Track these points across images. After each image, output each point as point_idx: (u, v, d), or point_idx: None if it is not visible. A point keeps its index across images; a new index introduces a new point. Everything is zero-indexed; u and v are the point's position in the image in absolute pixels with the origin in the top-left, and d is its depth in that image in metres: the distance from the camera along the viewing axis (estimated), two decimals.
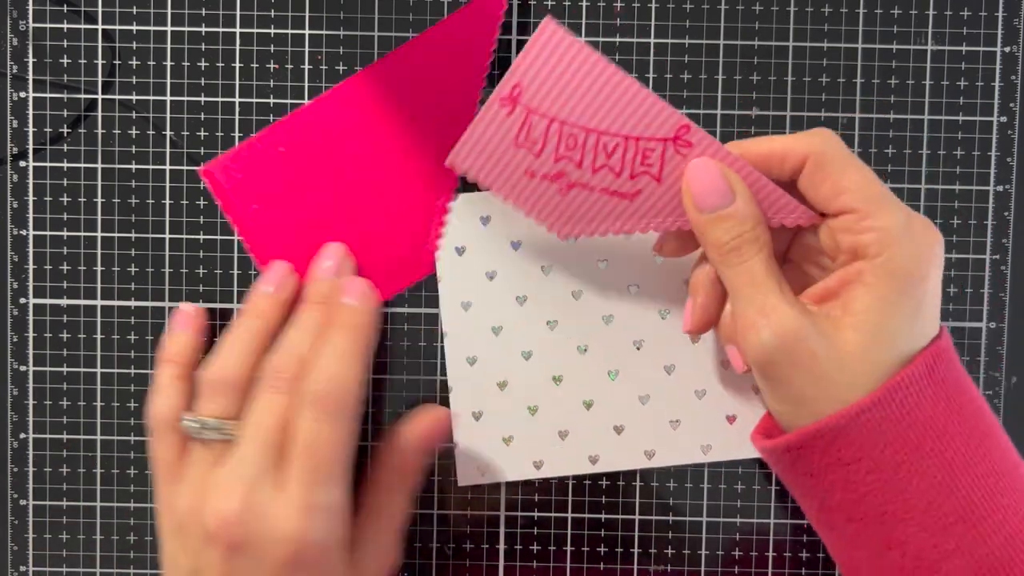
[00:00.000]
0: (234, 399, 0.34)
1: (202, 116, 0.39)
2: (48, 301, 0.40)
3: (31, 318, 0.40)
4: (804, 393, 0.32)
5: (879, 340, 0.31)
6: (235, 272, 0.40)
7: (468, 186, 0.38)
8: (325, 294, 0.37)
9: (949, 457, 0.31)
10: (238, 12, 0.39)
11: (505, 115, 0.34)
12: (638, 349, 0.39)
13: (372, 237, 0.38)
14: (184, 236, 0.39)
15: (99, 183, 0.39)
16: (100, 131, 0.39)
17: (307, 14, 0.39)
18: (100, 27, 0.39)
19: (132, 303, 0.40)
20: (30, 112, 0.39)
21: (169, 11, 0.39)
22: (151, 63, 0.39)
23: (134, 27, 0.39)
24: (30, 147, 0.39)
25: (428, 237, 0.38)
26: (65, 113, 0.39)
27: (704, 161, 0.33)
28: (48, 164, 0.39)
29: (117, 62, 0.39)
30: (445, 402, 0.39)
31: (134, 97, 0.39)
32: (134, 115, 0.39)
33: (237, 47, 0.39)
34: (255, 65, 0.39)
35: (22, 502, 0.40)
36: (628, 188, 0.34)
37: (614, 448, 0.39)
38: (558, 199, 0.35)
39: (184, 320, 0.38)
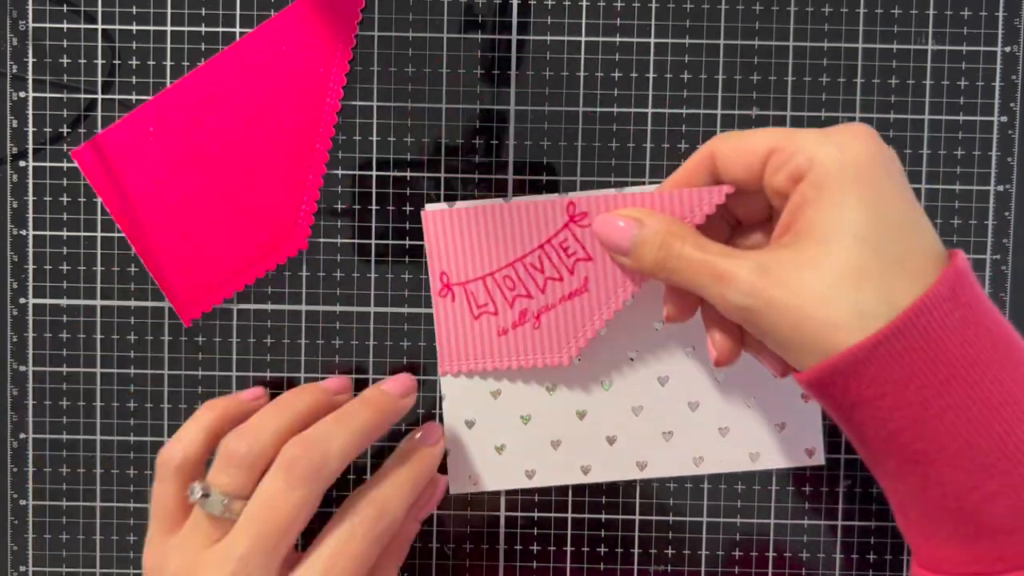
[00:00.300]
0: (248, 476, 0.32)
1: None
2: (48, 301, 0.40)
3: (31, 318, 0.40)
4: (794, 337, 0.29)
5: (846, 252, 0.28)
6: None
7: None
8: (383, 405, 0.36)
9: (984, 391, 0.28)
10: (238, 12, 0.39)
11: (450, 302, 0.38)
12: (632, 360, 0.39)
13: (243, 216, 0.38)
14: None
15: None
16: (100, 131, 0.39)
17: None
18: (100, 27, 0.39)
19: (132, 303, 0.40)
20: (30, 112, 0.39)
21: (169, 11, 0.39)
22: (151, 63, 0.39)
23: (134, 27, 0.39)
24: (30, 147, 0.39)
25: (299, 214, 0.38)
26: (65, 113, 0.39)
27: (599, 220, 0.35)
28: (48, 164, 0.39)
29: (117, 62, 0.39)
30: (438, 405, 0.39)
31: (134, 97, 0.39)
32: None
33: None
34: None
35: (22, 502, 0.40)
36: (577, 283, 0.37)
37: (606, 458, 0.39)
38: (538, 333, 0.37)
39: (249, 394, 0.37)
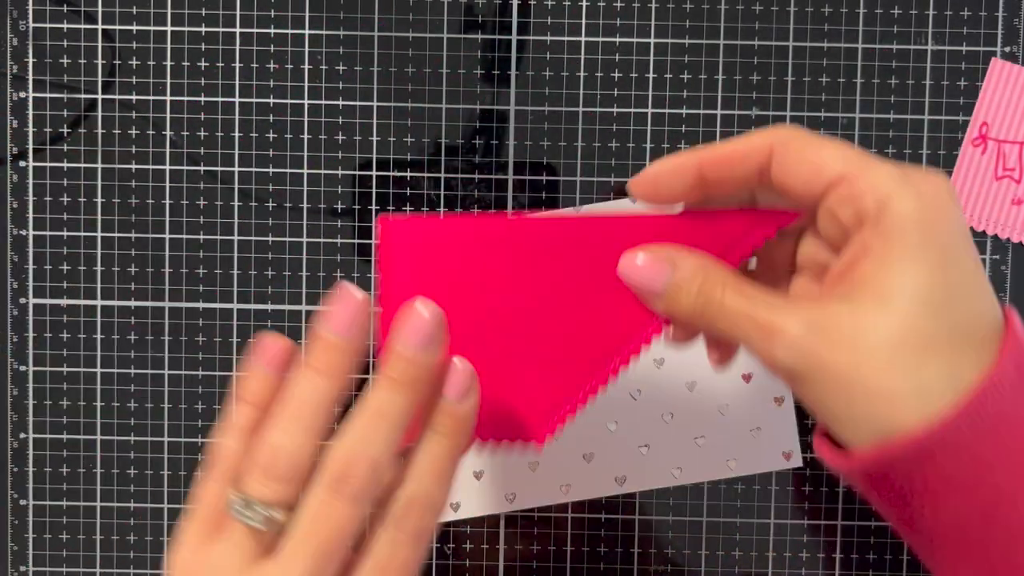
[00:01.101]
0: (293, 488, 0.28)
1: (202, 116, 0.39)
2: (48, 301, 0.40)
3: (31, 318, 0.40)
4: (846, 407, 0.26)
5: (911, 317, 0.25)
6: (235, 272, 0.40)
7: None
8: (414, 375, 0.29)
9: None
10: (238, 12, 0.39)
11: None
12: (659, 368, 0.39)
13: (503, 381, 0.32)
14: (184, 236, 0.40)
15: (99, 183, 0.39)
16: (100, 131, 0.39)
17: (307, 14, 0.39)
18: (100, 27, 0.39)
19: (132, 303, 0.40)
20: (30, 112, 0.39)
21: (169, 11, 0.39)
22: (151, 63, 0.39)
23: (134, 27, 0.39)
24: (30, 147, 0.39)
25: (563, 412, 0.33)
26: (65, 113, 0.39)
27: (624, 260, 0.30)
28: (48, 164, 0.39)
29: (117, 62, 0.39)
30: None
31: (134, 97, 0.39)
32: (134, 115, 0.39)
33: (237, 47, 0.39)
34: (255, 65, 0.39)
35: (22, 502, 0.40)
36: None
37: (585, 476, 0.39)
38: None
39: (268, 356, 0.31)
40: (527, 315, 0.32)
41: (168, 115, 0.39)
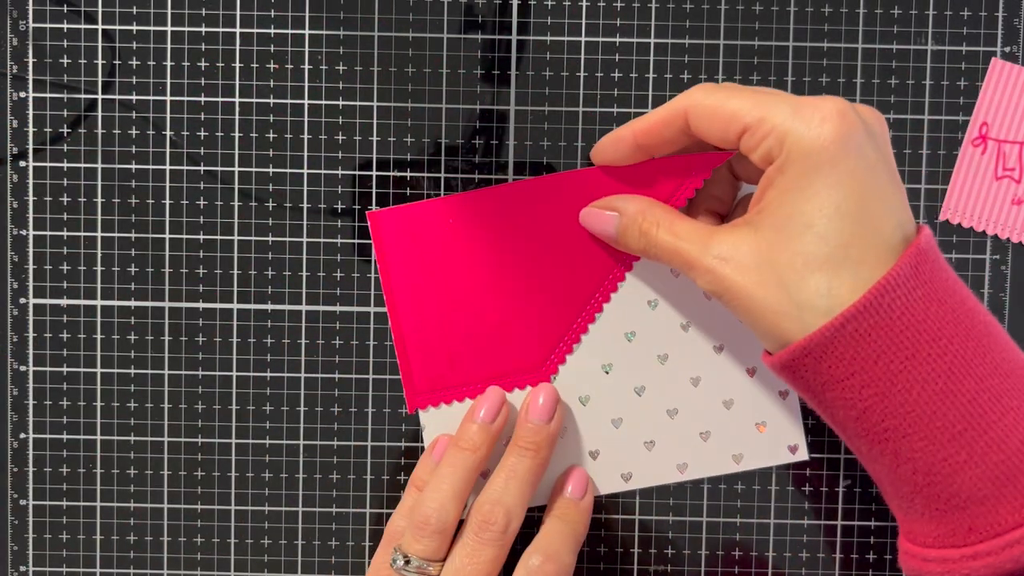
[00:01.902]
0: (441, 541, 0.35)
1: (202, 116, 0.39)
2: (48, 301, 0.40)
3: (31, 318, 0.40)
4: (754, 324, 0.31)
5: (801, 241, 0.29)
6: (235, 272, 0.40)
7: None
8: (539, 444, 0.37)
9: (948, 362, 0.28)
10: (238, 12, 0.39)
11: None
12: (607, 373, 0.39)
13: (503, 332, 0.38)
14: (184, 236, 0.40)
15: (99, 183, 0.39)
16: (100, 131, 0.39)
17: (307, 14, 0.39)
18: (100, 27, 0.39)
19: (132, 303, 0.40)
20: (30, 112, 0.39)
21: (169, 11, 0.39)
22: (151, 63, 0.39)
23: (134, 27, 0.39)
24: (30, 147, 0.39)
25: (554, 350, 0.39)
26: (65, 113, 0.39)
27: (584, 213, 0.37)
28: (48, 164, 0.39)
29: (117, 62, 0.39)
30: None
31: (134, 97, 0.39)
32: (134, 115, 0.39)
33: (237, 47, 0.39)
34: (255, 65, 0.39)
35: (22, 502, 0.40)
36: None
37: (591, 473, 0.39)
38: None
39: (438, 450, 0.38)
40: (518, 270, 0.38)
41: (168, 115, 0.39)
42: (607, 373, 0.39)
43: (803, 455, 0.39)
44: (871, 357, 0.29)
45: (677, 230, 0.33)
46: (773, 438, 0.39)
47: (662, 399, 0.39)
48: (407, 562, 0.34)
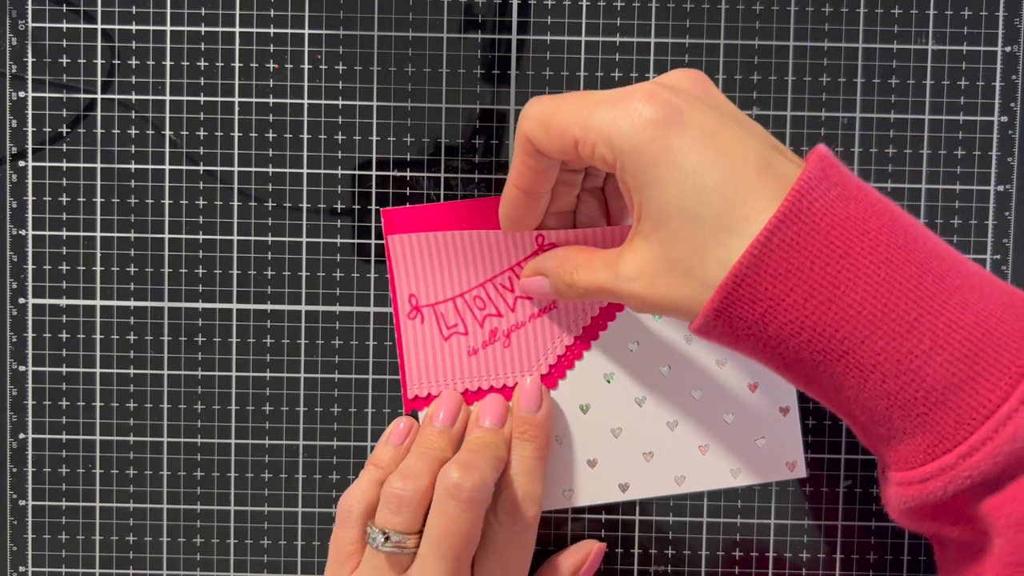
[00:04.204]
0: (417, 514, 0.35)
1: (202, 116, 0.39)
2: (48, 301, 0.40)
3: (30, 318, 0.40)
4: (670, 316, 0.31)
5: (681, 222, 0.29)
6: (235, 272, 0.40)
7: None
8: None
9: (883, 254, 0.28)
10: (238, 12, 0.39)
11: (419, 324, 0.38)
12: (608, 383, 0.39)
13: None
14: (184, 236, 0.39)
15: (99, 183, 0.39)
16: (100, 131, 0.39)
17: (307, 14, 0.39)
18: (100, 27, 0.39)
19: (132, 303, 0.40)
20: (30, 112, 0.39)
21: (169, 11, 0.39)
22: (151, 63, 0.39)
23: (134, 27, 0.39)
24: (30, 147, 0.39)
25: (560, 357, 0.39)
26: (65, 113, 0.39)
27: (520, 284, 0.38)
28: (48, 164, 0.39)
29: (117, 62, 0.39)
30: None
31: (134, 97, 0.39)
32: (134, 115, 0.39)
33: (237, 47, 0.39)
34: (255, 65, 0.39)
35: (22, 502, 0.40)
36: (546, 300, 0.38)
37: (587, 482, 0.39)
38: (508, 352, 0.38)
39: (399, 436, 0.38)
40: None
41: (168, 115, 0.39)
42: (609, 382, 0.39)
43: (801, 472, 0.39)
44: (806, 264, 0.28)
45: (594, 266, 0.33)
46: (772, 454, 0.39)
47: (662, 411, 0.39)
48: (386, 538, 0.34)
